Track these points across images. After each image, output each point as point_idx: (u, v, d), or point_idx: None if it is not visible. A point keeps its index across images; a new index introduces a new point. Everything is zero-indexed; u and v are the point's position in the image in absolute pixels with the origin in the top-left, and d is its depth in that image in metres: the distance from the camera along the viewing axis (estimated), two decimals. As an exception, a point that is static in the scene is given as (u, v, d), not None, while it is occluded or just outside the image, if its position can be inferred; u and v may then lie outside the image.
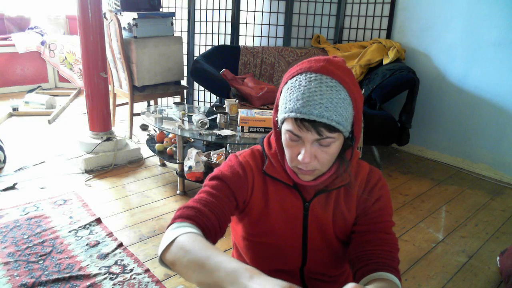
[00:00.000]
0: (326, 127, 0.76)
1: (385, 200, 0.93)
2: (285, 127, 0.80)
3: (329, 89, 0.76)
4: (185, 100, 3.83)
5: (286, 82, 0.82)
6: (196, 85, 3.92)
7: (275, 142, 0.90)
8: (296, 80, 0.79)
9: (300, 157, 0.79)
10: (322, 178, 0.88)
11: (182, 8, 3.83)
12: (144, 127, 3.72)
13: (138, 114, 3.06)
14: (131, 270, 1.78)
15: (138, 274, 1.75)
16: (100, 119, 2.91)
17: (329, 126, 0.76)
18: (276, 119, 0.86)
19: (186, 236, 0.74)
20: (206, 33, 3.81)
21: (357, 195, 0.93)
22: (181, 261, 0.71)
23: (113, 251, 1.91)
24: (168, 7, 3.89)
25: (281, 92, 0.84)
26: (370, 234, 0.90)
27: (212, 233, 0.83)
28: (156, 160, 3.03)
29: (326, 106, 0.75)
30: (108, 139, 2.90)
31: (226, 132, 2.31)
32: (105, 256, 1.87)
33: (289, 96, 0.78)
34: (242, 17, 3.68)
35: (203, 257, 0.68)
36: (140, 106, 3.78)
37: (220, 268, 0.65)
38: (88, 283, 1.68)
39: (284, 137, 0.83)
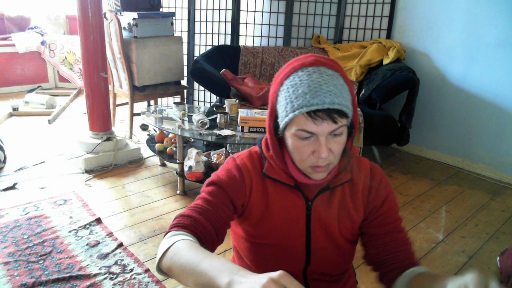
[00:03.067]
0: (339, 113, 0.76)
1: (391, 198, 0.95)
2: (294, 128, 0.79)
3: (330, 77, 0.78)
4: (185, 100, 3.83)
5: (282, 84, 0.81)
6: (196, 85, 3.92)
7: (272, 147, 0.88)
8: (294, 77, 0.79)
9: (317, 154, 0.79)
10: (329, 176, 0.87)
11: (182, 8, 3.83)
12: (144, 127, 3.72)
13: (138, 114, 3.06)
14: (131, 270, 1.78)
15: (138, 274, 1.75)
16: (100, 119, 2.91)
17: (341, 112, 0.76)
18: (276, 123, 0.84)
19: (181, 243, 0.75)
20: (206, 33, 3.81)
21: (363, 190, 0.94)
22: (176, 265, 0.72)
23: (113, 251, 1.91)
24: (168, 7, 3.89)
25: (276, 97, 0.83)
26: (386, 236, 0.93)
27: (208, 241, 0.83)
28: (156, 160, 3.03)
29: (334, 92, 0.76)
30: (108, 139, 2.90)
31: (226, 132, 2.31)
32: (105, 256, 1.87)
33: (293, 94, 0.78)
34: (242, 17, 3.68)
35: (196, 260, 0.69)
36: (140, 106, 3.78)
37: (214, 267, 0.66)
38: (88, 283, 1.68)
39: (292, 139, 0.81)
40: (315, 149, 0.79)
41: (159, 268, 0.77)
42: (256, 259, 0.99)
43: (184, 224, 0.82)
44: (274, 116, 0.84)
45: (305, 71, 0.78)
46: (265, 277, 0.58)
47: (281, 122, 0.81)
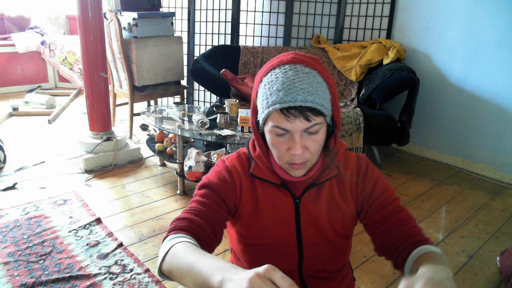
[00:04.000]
0: (312, 111, 0.77)
1: (382, 182, 0.94)
2: (270, 124, 0.80)
3: (306, 75, 0.78)
4: (185, 100, 3.83)
5: (261, 81, 0.83)
6: (196, 85, 3.92)
7: (257, 143, 0.90)
8: (271, 75, 0.80)
9: (292, 151, 0.80)
10: (311, 172, 0.88)
11: (182, 8, 3.83)
12: (144, 127, 3.72)
13: (138, 114, 3.06)
14: (131, 270, 1.78)
15: (138, 274, 1.75)
16: (100, 119, 2.91)
17: (314, 110, 0.77)
18: (258, 120, 0.86)
19: (179, 245, 0.76)
20: (206, 33, 3.81)
21: (350, 185, 0.94)
22: (175, 268, 0.73)
23: (113, 251, 1.91)
24: (168, 7, 3.89)
25: (256, 93, 0.84)
26: (386, 220, 0.90)
27: (207, 242, 0.84)
28: (156, 160, 3.03)
29: (308, 90, 0.77)
30: (108, 139, 2.90)
31: (226, 132, 2.31)
32: (105, 256, 1.87)
33: (268, 91, 0.79)
34: (242, 17, 3.68)
35: (192, 261, 0.70)
36: (140, 106, 3.78)
37: (208, 267, 0.67)
38: (88, 283, 1.68)
39: (270, 136, 0.83)
40: (290, 146, 0.80)
41: (161, 272, 0.78)
42: (251, 260, 0.99)
43: (181, 226, 0.83)
44: (255, 112, 0.87)
45: (282, 69, 0.80)
46: (251, 272, 0.59)
47: (260, 118, 0.84)
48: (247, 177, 0.93)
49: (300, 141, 0.79)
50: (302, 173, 0.86)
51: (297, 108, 0.76)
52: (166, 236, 0.82)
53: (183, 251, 0.74)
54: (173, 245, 0.77)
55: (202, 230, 0.84)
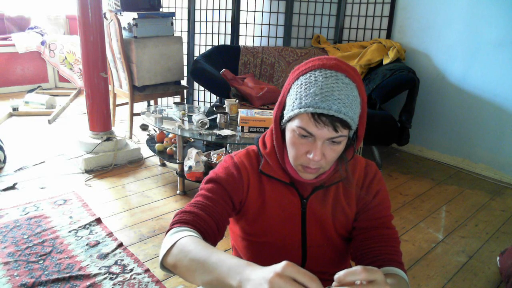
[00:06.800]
0: (342, 123, 0.76)
1: (383, 194, 0.95)
2: (296, 124, 0.79)
3: (345, 86, 0.77)
4: (185, 100, 3.83)
5: (298, 78, 0.81)
6: (196, 85, 3.92)
7: (273, 140, 0.89)
8: (311, 76, 0.79)
9: (310, 156, 0.79)
10: (322, 176, 0.89)
11: (182, 8, 3.83)
12: (144, 127, 3.72)
13: (138, 114, 3.06)
14: (131, 270, 1.78)
15: (138, 274, 1.75)
16: (100, 119, 2.91)
17: (344, 122, 0.76)
18: (282, 115, 0.85)
19: (186, 239, 0.75)
20: (206, 33, 3.81)
21: (355, 189, 0.94)
22: (182, 262, 0.72)
23: (113, 251, 1.91)
24: (168, 7, 3.89)
25: (289, 89, 0.83)
26: (372, 230, 0.91)
27: (211, 236, 0.84)
28: (156, 160, 3.03)
29: (344, 102, 0.76)
30: (108, 139, 2.90)
31: (226, 132, 2.31)
32: (105, 256, 1.87)
33: (304, 91, 0.78)
34: (242, 17, 3.68)
35: (204, 256, 0.69)
36: (140, 106, 3.78)
37: (222, 264, 0.66)
38: (88, 283, 1.68)
39: (291, 134, 0.82)
40: (310, 150, 0.80)
41: (163, 265, 0.77)
42: (254, 258, 0.99)
43: (186, 220, 0.82)
44: (282, 107, 0.85)
45: (323, 72, 0.78)
46: (271, 271, 0.57)
47: (286, 115, 0.82)
48: (255, 174, 0.93)
49: (321, 148, 0.79)
50: (313, 177, 0.86)
51: (328, 117, 0.75)
52: (170, 229, 0.81)
53: (192, 245, 0.73)
54: (179, 239, 0.75)
55: (206, 224, 0.83)
